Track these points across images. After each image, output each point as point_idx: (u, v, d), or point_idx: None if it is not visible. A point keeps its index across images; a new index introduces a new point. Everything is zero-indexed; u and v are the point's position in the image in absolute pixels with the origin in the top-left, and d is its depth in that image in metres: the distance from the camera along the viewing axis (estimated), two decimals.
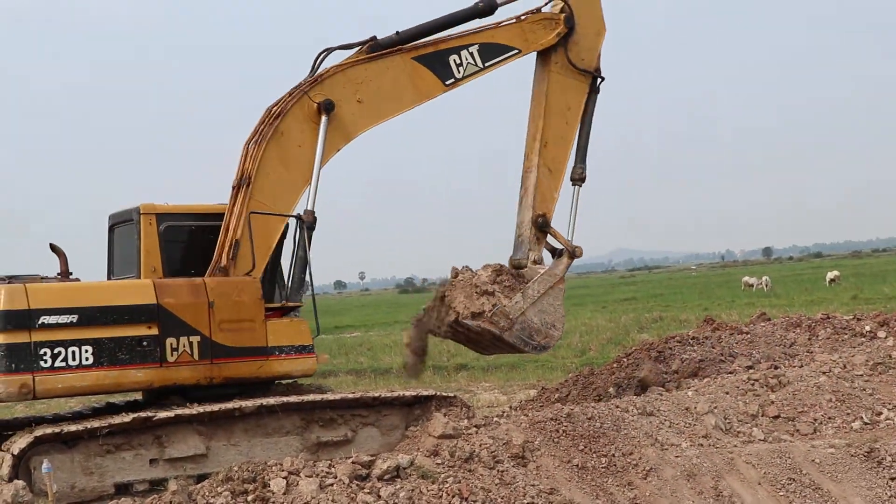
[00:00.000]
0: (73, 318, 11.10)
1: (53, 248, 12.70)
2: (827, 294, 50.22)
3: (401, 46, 13.61)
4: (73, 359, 11.07)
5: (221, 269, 12.26)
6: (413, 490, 9.59)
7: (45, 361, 10.92)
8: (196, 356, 11.71)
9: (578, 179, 15.26)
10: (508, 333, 13.60)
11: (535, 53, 14.87)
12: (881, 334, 16.13)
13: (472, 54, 14.03)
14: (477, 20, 14.29)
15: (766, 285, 62.47)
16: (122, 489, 10.96)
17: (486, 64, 14.19)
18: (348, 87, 13.12)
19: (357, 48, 13.46)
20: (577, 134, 15.18)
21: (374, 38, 13.47)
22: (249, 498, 9.27)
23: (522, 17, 14.55)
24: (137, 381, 11.49)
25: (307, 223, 12.81)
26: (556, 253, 14.81)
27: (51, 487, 8.33)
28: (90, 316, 11.21)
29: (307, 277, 13.17)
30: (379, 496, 9.46)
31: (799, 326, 17.29)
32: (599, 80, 15.25)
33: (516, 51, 14.45)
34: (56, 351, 10.98)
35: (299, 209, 12.91)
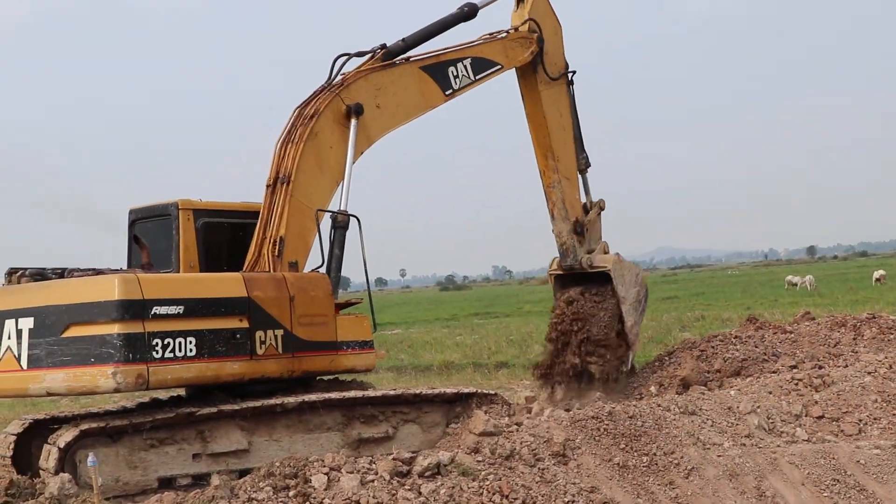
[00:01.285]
0: (180, 309, 11.09)
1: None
2: (873, 293, 49.65)
3: (410, 55, 14.19)
4: (180, 350, 11.06)
5: (293, 266, 12.41)
6: (454, 487, 9.60)
7: (157, 352, 10.89)
8: (280, 349, 11.78)
9: (584, 168, 17.02)
10: (637, 327, 16.63)
11: (515, 75, 16.10)
12: None
13: (465, 67, 14.81)
14: (465, 25, 15.21)
15: (811, 284, 61.90)
16: (166, 483, 11.04)
17: (477, 77, 15.00)
18: (370, 92, 13.47)
19: (369, 55, 13.88)
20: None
21: (384, 46, 13.93)
22: (291, 493, 9.32)
23: (502, 35, 15.61)
24: (233, 374, 11.50)
25: (341, 223, 12.95)
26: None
27: (96, 481, 8.43)
28: (193, 308, 11.22)
29: (368, 274, 13.51)
30: (420, 493, 9.48)
31: (844, 326, 17.12)
32: (572, 73, 16.76)
33: (499, 66, 15.43)
34: (166, 342, 10.95)
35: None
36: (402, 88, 13.98)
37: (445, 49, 14.67)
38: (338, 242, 12.93)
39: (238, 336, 11.47)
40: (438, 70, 14.43)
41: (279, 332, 11.78)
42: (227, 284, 11.66)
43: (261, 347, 11.63)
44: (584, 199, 17.01)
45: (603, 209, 17.11)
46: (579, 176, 16.99)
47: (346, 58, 13.74)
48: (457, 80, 14.67)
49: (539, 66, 15.99)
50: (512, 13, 16.27)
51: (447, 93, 14.55)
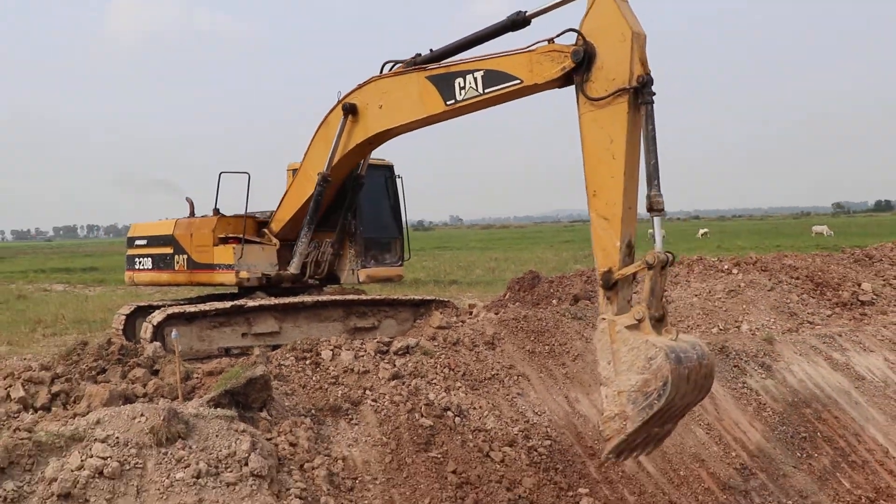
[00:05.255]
0: (145, 241, 12.81)
1: (188, 200, 13.09)
2: (700, 244, 50.27)
3: (422, 66, 11.01)
4: (142, 264, 13.09)
5: (216, 211, 12.65)
6: (418, 362, 9.58)
7: (138, 264, 12.90)
8: (186, 267, 12.35)
9: (655, 209, 8.14)
10: (629, 423, 6.91)
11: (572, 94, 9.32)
12: (734, 271, 16.04)
13: (475, 79, 10.00)
14: (510, 35, 10.23)
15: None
16: (224, 352, 11.01)
17: (486, 90, 9.81)
18: (376, 94, 11.57)
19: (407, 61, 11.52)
20: (642, 158, 8.20)
21: (417, 55, 11.31)
22: (307, 362, 9.26)
23: (531, 48, 9.37)
24: (166, 280, 12.73)
25: (319, 181, 11.71)
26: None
27: (177, 348, 8.34)
28: (150, 240, 12.95)
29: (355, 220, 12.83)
30: (394, 365, 9.46)
31: (681, 264, 17.23)
32: (647, 87, 8.17)
33: (518, 81, 9.48)
34: (141, 259, 12.81)
35: None
36: (405, 94, 10.98)
37: (460, 60, 10.54)
38: (315, 194, 11.80)
39: (167, 258, 12.51)
40: (444, 80, 10.44)
41: (184, 257, 12.30)
42: (162, 227, 12.74)
43: (177, 265, 12.37)
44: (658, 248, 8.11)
45: (653, 267, 7.50)
46: (652, 217, 8.25)
47: (391, 63, 11.58)
48: (462, 91, 10.06)
49: (579, 84, 8.47)
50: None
51: (448, 103, 10.24)
